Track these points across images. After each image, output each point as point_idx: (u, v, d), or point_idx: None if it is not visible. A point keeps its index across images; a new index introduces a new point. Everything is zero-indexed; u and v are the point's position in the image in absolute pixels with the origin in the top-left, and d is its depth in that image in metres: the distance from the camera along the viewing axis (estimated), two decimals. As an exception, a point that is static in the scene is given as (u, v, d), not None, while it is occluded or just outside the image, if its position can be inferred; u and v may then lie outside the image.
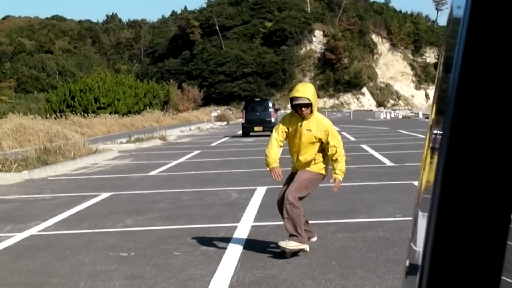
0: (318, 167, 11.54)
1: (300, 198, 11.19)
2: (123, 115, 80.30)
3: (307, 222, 11.59)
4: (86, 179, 25.63)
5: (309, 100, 11.25)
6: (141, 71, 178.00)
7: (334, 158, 11.35)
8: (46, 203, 18.94)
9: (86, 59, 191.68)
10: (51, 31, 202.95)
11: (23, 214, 17.14)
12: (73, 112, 72.97)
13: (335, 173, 11.31)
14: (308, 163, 11.61)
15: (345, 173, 11.52)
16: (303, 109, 11.33)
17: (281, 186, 11.87)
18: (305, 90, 11.45)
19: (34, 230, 14.67)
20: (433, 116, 1.38)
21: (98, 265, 11.19)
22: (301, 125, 11.48)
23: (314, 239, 11.79)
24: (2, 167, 26.76)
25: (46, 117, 59.62)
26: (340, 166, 11.29)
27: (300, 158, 11.62)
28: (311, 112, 11.41)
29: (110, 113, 79.07)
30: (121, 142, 45.66)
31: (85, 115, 70.51)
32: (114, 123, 69.42)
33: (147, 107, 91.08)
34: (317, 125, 11.44)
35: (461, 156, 1.14)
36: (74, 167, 30.04)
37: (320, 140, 11.45)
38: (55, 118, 61.73)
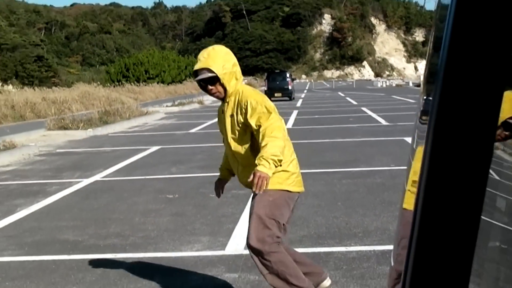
0: (274, 179, 5.58)
1: (273, 237, 5.72)
2: (168, 84, 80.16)
3: (306, 262, 6.24)
4: (139, 135, 25.71)
5: (213, 71, 5.65)
6: (182, 48, 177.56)
7: (262, 144, 5.42)
8: (107, 155, 19.04)
9: (138, 39, 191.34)
10: (109, 16, 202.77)
11: (89, 163, 17.25)
12: (128, 82, 72.95)
13: (257, 163, 5.31)
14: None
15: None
16: (209, 87, 5.73)
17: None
18: (207, 58, 5.73)
19: (98, 176, 14.77)
20: (423, 88, 1.38)
21: (149, 205, 11.28)
22: (223, 112, 5.97)
23: (327, 282, 6.24)
24: (72, 126, 26.91)
25: (107, 86, 59.69)
26: (265, 152, 5.32)
27: (241, 165, 6.00)
28: (226, 88, 5.76)
29: (157, 82, 79.01)
30: (167, 106, 45.71)
31: (137, 84, 70.47)
32: (160, 90, 69.37)
33: (187, 78, 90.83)
34: (237, 104, 5.81)
35: (447, 135, 1.13)
36: (129, 126, 30.14)
37: (247, 128, 5.80)
38: (113, 86, 61.74)
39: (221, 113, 6.01)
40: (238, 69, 5.82)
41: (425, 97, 1.30)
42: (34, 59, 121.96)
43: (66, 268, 7.54)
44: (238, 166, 6.01)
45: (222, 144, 5.94)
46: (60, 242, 8.80)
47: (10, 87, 71.92)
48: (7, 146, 19.63)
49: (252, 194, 5.73)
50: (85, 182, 14.02)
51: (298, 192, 5.96)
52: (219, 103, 5.99)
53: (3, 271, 7.53)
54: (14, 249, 8.52)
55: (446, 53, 1.12)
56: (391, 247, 7.65)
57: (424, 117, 1.26)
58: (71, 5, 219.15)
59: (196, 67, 5.74)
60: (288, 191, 5.77)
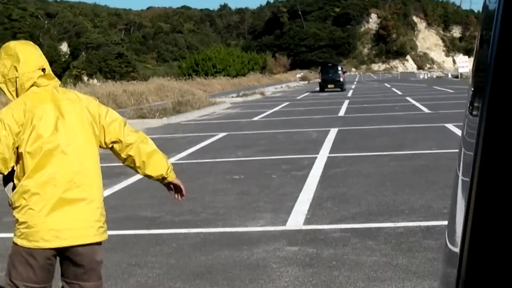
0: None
1: None
2: (233, 77, 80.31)
3: None
4: (208, 123, 25.78)
5: None
6: (245, 45, 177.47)
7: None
8: (180, 141, 19.11)
9: (206, 37, 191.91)
10: (181, 17, 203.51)
11: (164, 148, 17.13)
12: (197, 75, 73.27)
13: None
14: None
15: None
16: None
17: None
18: None
19: (172, 160, 14.81)
20: (472, 81, 1.33)
21: (218, 185, 11.28)
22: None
23: None
24: (149, 115, 27.08)
25: (179, 79, 60.01)
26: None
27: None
28: None
29: (223, 76, 79.26)
30: (232, 97, 45.76)
31: (206, 77, 70.80)
32: (226, 82, 69.52)
33: (250, 71, 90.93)
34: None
35: (499, 123, 1.09)
36: (199, 115, 30.24)
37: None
38: (185, 79, 62.06)
39: None
40: None
41: (472, 89, 1.27)
42: (116, 56, 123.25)
43: (146, 242, 7.58)
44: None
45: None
46: (140, 218, 8.85)
47: (95, 81, 72.84)
48: (93, 133, 19.80)
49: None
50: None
51: (33, 248, 3.81)
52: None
53: (91, 244, 7.58)
54: (100, 224, 8.58)
55: (495, 50, 1.10)
56: (435, 223, 7.55)
57: (472, 108, 1.23)
58: (147, 8, 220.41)
59: None
60: (16, 244, 3.88)
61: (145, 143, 4.15)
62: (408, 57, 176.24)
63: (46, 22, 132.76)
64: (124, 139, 4.05)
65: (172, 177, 4.36)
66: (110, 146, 4.06)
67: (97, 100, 4.20)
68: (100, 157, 4.13)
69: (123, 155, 4.10)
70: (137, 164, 4.12)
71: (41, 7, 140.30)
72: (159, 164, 4.21)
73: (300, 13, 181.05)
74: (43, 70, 3.95)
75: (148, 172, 4.17)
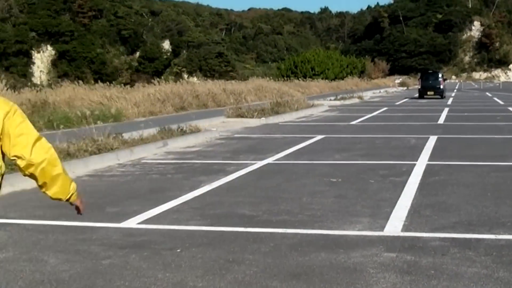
0: None
1: None
2: (331, 80, 79.89)
3: None
4: (305, 125, 25.76)
5: None
6: (344, 48, 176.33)
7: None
8: (278, 141, 19.15)
9: (305, 40, 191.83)
10: (281, 19, 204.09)
11: (262, 148, 17.40)
12: (296, 77, 73.33)
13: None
14: None
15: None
16: None
17: None
18: None
19: (270, 160, 14.87)
20: None
21: (315, 187, 11.23)
22: None
23: None
24: (247, 114, 27.26)
25: (277, 80, 60.16)
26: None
27: None
28: None
29: (322, 78, 78.90)
30: (330, 99, 45.56)
31: (304, 79, 70.72)
32: (324, 85, 69.25)
33: (348, 75, 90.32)
34: None
35: None
36: (296, 116, 30.25)
37: None
38: (283, 81, 62.12)
39: None
40: None
41: None
42: (216, 55, 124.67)
43: (243, 239, 7.61)
44: None
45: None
46: (238, 216, 8.89)
47: (195, 79, 73.82)
48: (193, 130, 20.10)
49: None
50: (259, 164, 14.14)
51: None
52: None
53: (190, 238, 7.67)
54: (199, 219, 8.68)
55: None
56: (539, 238, 7.29)
57: None
58: (248, 9, 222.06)
59: None
60: None
61: (52, 165, 3.92)
62: (511, 66, 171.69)
63: (150, 20, 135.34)
64: (29, 157, 3.84)
65: (73, 200, 4.17)
66: (12, 159, 3.85)
67: (17, 108, 3.86)
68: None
69: (26, 172, 3.89)
70: (39, 183, 3.96)
71: (145, 5, 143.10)
72: (61, 189, 4.03)
73: (401, 18, 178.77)
74: None
75: (48, 193, 4.02)
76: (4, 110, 3.78)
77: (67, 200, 4.11)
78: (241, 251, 7.05)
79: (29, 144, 3.83)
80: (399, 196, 10.12)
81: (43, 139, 3.92)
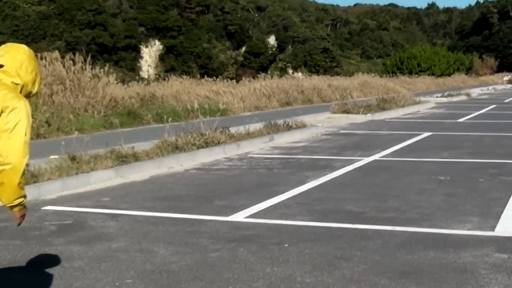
0: None
1: None
2: (437, 77, 78.41)
3: None
4: (412, 122, 25.38)
5: None
6: (451, 45, 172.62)
7: None
8: (384, 138, 18.94)
9: (412, 35, 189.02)
10: (387, 15, 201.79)
11: (368, 144, 17.24)
12: (401, 73, 72.33)
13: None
14: None
15: None
16: None
17: None
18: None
19: (376, 156, 14.72)
20: None
21: (423, 184, 11.05)
22: None
23: None
24: (353, 110, 27.08)
25: (383, 76, 59.51)
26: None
27: None
28: None
29: (428, 75, 77.56)
30: (436, 96, 44.72)
31: (410, 75, 69.71)
32: (430, 82, 68.02)
33: (455, 71, 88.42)
34: None
35: None
36: (402, 113, 29.84)
37: None
38: (388, 77, 61.40)
39: None
40: None
41: None
42: (321, 50, 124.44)
43: (351, 236, 7.55)
44: None
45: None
46: (345, 212, 8.84)
47: (300, 74, 73.83)
48: (298, 125, 20.11)
49: None
50: (365, 160, 14.02)
51: None
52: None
53: (297, 233, 7.67)
54: (306, 215, 8.67)
55: None
56: None
57: None
58: (354, 5, 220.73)
59: None
60: None
61: (14, 174, 4.07)
62: None
63: (256, 15, 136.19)
64: (3, 155, 4.06)
65: (15, 210, 4.23)
66: None
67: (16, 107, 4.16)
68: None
69: None
70: None
71: (252, 0, 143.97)
72: (7, 195, 4.10)
73: (511, 14, 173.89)
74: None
75: None
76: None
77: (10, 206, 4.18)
78: (349, 248, 7.01)
79: (8, 141, 4.10)
80: (510, 196, 9.84)
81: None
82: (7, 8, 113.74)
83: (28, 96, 4.43)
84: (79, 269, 6.31)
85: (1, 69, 4.33)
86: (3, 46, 4.49)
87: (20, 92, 4.36)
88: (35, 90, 4.49)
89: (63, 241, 7.40)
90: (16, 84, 4.35)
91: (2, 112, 4.12)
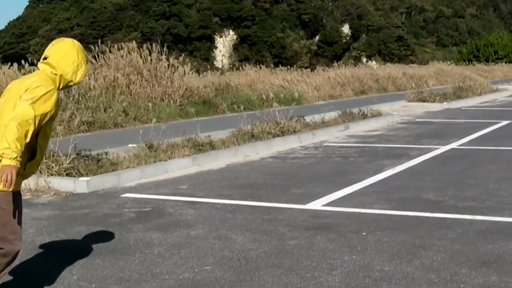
0: None
1: None
2: (516, 64, 76.70)
3: None
4: (489, 110, 24.86)
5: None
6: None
7: None
8: (461, 126, 18.61)
9: (488, 23, 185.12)
10: (463, 2, 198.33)
11: (445, 132, 16.98)
12: (478, 61, 70.95)
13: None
14: None
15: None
16: None
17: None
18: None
19: (454, 145, 14.48)
20: None
21: (503, 173, 10.81)
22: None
23: None
24: (429, 98, 26.70)
25: (458, 64, 58.50)
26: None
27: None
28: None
29: (505, 62, 75.89)
30: (514, 84, 43.76)
31: (487, 63, 68.37)
32: (508, 69, 66.46)
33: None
34: None
35: None
36: (479, 101, 29.26)
37: None
38: (464, 65, 60.33)
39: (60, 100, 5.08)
40: None
41: None
42: (395, 39, 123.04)
43: (429, 224, 7.45)
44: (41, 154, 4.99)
45: None
46: (423, 201, 8.72)
47: (373, 63, 73.24)
48: (374, 113, 19.94)
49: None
50: (442, 149, 13.80)
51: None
52: None
53: (375, 222, 7.61)
54: (383, 203, 8.59)
55: None
56: None
57: None
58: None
59: None
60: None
61: (8, 131, 4.51)
62: None
63: (330, 4, 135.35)
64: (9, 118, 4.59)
65: None
66: None
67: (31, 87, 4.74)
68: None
69: None
70: None
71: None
72: None
73: None
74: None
75: None
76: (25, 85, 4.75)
77: None
78: (427, 237, 6.91)
79: (16, 109, 4.63)
80: None
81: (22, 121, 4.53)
82: (85, 1, 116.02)
83: (67, 85, 5.01)
84: (158, 255, 6.39)
85: (45, 60, 4.92)
86: (54, 40, 5.12)
87: (60, 82, 4.91)
88: (76, 80, 4.99)
89: (143, 227, 7.51)
90: (55, 74, 4.88)
91: (20, 97, 4.70)
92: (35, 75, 4.89)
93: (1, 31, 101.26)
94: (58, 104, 4.87)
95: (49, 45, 5.02)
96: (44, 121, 4.73)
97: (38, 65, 5.01)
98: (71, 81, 4.97)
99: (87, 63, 5.12)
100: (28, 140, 4.58)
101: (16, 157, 4.49)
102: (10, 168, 4.49)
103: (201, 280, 5.62)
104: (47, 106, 4.70)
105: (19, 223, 4.84)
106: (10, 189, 4.58)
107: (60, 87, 4.96)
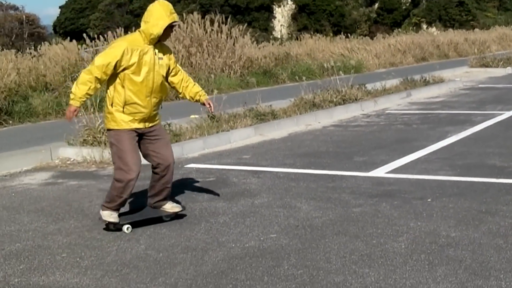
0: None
1: None
2: None
3: None
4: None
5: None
6: None
7: (187, 84, 6.67)
8: (525, 91, 18.24)
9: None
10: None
11: (509, 98, 16.61)
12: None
13: (201, 95, 6.89)
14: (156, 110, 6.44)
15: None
16: (171, 32, 6.34)
17: (130, 157, 6.15)
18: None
19: (518, 110, 14.22)
20: None
21: None
22: (155, 53, 6.20)
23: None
24: (492, 64, 26.19)
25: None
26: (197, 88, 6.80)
27: (153, 102, 6.28)
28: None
29: None
30: None
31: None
32: None
33: None
34: (163, 49, 6.33)
35: None
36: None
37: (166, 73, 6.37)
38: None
39: (153, 54, 6.16)
40: None
41: None
42: (456, 4, 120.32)
43: (495, 190, 7.33)
44: (151, 99, 6.22)
45: None
46: (488, 167, 8.58)
47: (434, 29, 72.04)
48: (436, 80, 19.65)
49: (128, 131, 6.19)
50: (507, 114, 13.54)
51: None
52: None
53: (440, 188, 7.52)
54: (448, 170, 8.48)
55: None
56: None
57: None
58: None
59: (176, 18, 6.19)
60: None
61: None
62: None
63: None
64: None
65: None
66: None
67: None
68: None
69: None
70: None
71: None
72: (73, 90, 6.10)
73: None
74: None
75: None
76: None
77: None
78: (493, 202, 6.81)
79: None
80: None
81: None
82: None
83: (155, 40, 6.14)
84: (224, 224, 6.44)
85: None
86: None
87: (145, 37, 6.11)
88: (155, 33, 6.06)
89: (207, 197, 7.57)
90: (139, 32, 6.16)
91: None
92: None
93: (62, 7, 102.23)
94: (128, 58, 6.02)
95: None
96: (117, 70, 6.02)
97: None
98: (152, 34, 6.06)
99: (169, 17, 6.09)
100: (94, 85, 5.97)
101: (74, 98, 5.96)
102: (69, 106, 6.03)
103: (267, 248, 5.64)
104: (105, 58, 5.97)
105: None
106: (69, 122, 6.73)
107: (148, 42, 6.12)
